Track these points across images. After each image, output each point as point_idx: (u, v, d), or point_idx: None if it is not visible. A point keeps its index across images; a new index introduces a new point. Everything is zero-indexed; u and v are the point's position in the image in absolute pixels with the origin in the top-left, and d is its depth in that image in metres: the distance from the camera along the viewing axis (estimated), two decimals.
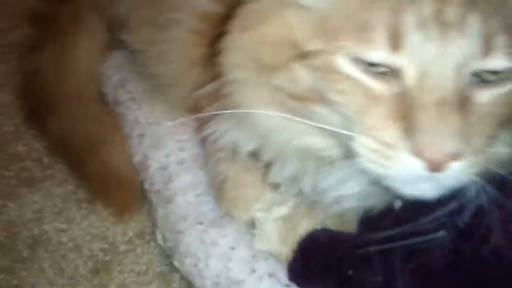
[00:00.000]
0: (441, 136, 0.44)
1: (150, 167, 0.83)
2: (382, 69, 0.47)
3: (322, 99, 0.51)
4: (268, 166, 0.68)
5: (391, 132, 0.47)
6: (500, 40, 0.46)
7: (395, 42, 0.46)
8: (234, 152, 0.69)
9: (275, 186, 0.70)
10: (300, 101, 0.53)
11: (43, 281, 0.80)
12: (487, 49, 0.46)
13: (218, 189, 0.74)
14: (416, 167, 0.46)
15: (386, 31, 0.45)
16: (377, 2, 0.46)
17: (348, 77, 0.48)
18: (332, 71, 0.48)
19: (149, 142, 0.86)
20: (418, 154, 0.46)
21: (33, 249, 0.83)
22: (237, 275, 0.68)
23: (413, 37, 0.45)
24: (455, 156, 0.45)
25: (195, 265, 0.71)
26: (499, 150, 0.52)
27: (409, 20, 0.45)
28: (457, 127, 0.45)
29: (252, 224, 0.71)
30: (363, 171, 0.51)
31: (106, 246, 0.84)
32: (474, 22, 0.45)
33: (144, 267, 0.81)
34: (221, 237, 0.71)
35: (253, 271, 0.68)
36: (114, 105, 0.96)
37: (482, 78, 0.47)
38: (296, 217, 0.69)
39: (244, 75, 0.58)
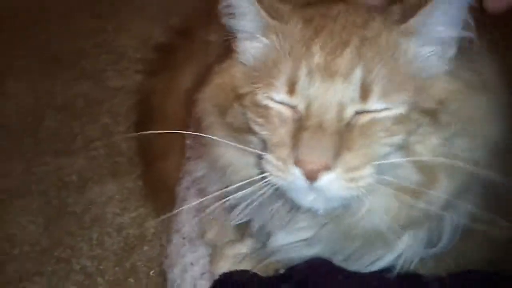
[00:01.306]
0: (315, 150, 0.53)
1: None
2: None
3: (250, 129, 0.62)
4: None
5: (285, 148, 0.56)
6: (377, 87, 0.54)
7: (291, 87, 0.57)
8: None
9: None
10: (239, 132, 0.65)
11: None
12: (365, 95, 0.54)
13: None
14: (299, 176, 0.54)
15: (285, 80, 0.57)
16: (283, 60, 0.58)
17: (266, 107, 0.59)
18: (255, 105, 0.60)
19: None
20: (298, 164, 0.54)
21: (93, 223, 1.08)
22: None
23: (303, 82, 0.56)
24: (325, 167, 0.53)
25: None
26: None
27: (301, 70, 0.56)
28: (329, 145, 0.53)
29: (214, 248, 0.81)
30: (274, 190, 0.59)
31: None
32: (357, 73, 0.54)
33: None
34: (191, 252, 0.83)
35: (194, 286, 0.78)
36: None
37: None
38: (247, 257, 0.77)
39: (210, 119, 0.71)
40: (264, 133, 0.59)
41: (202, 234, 0.84)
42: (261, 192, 0.65)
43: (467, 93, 0.57)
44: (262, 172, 0.60)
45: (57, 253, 1.03)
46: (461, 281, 0.66)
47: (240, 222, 0.73)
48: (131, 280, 0.99)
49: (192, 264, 0.83)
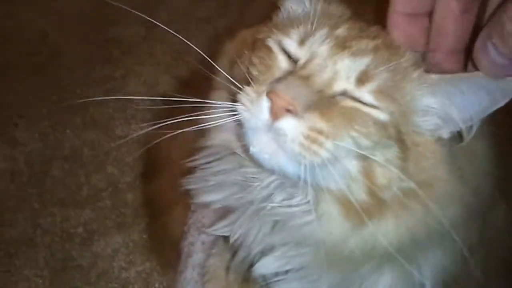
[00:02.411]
0: (291, 91, 0.51)
1: None
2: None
3: (246, 78, 0.60)
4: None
5: (265, 84, 0.54)
6: (375, 82, 0.54)
7: (304, 40, 0.57)
8: None
9: None
10: (237, 85, 0.60)
11: None
12: (362, 82, 0.54)
13: None
14: (264, 109, 0.52)
15: (303, 32, 0.58)
16: (310, 21, 0.59)
17: (270, 50, 0.59)
18: (262, 48, 0.60)
19: None
20: (269, 95, 0.51)
21: (98, 277, 1.07)
22: None
23: (317, 39, 0.56)
24: (293, 111, 0.51)
25: None
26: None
27: (321, 32, 0.57)
28: (307, 95, 0.52)
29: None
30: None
31: None
32: (365, 60, 0.54)
33: None
34: None
35: None
36: None
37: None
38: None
39: (221, 76, 0.66)
40: (255, 72, 0.58)
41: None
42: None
43: (443, 164, 0.56)
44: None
45: None
46: None
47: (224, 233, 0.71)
48: None
49: None
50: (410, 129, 0.55)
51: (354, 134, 0.53)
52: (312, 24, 0.58)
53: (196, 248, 0.97)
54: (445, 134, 0.56)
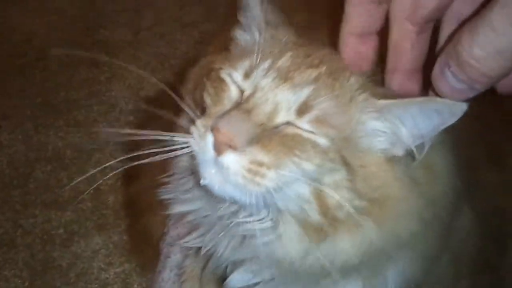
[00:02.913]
0: (232, 126, 0.53)
1: None
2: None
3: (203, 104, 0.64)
4: None
5: (213, 118, 0.56)
6: (315, 111, 0.55)
7: (249, 73, 0.59)
8: None
9: None
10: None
11: None
12: (302, 112, 0.56)
13: None
14: (209, 143, 0.54)
15: (248, 65, 0.60)
16: (255, 52, 0.60)
17: (222, 81, 0.61)
18: (216, 78, 0.62)
19: None
20: (213, 130, 0.54)
21: (78, 278, 1.08)
22: None
23: (259, 72, 0.58)
24: (233, 146, 0.53)
25: None
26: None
27: (264, 64, 0.58)
28: (247, 130, 0.54)
29: None
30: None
31: None
32: (306, 91, 0.56)
33: None
34: None
35: None
36: None
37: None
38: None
39: (186, 99, 0.68)
40: (209, 102, 0.61)
41: None
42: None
43: (397, 181, 0.58)
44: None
45: None
46: None
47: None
48: None
49: None
50: (356, 152, 0.57)
51: (295, 159, 0.55)
52: (257, 55, 0.60)
53: (175, 249, 0.98)
54: (399, 152, 0.57)
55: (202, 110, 0.62)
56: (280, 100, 0.56)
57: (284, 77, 0.57)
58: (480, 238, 0.76)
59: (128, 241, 1.13)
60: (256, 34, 0.65)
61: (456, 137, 0.65)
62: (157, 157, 0.66)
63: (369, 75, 0.59)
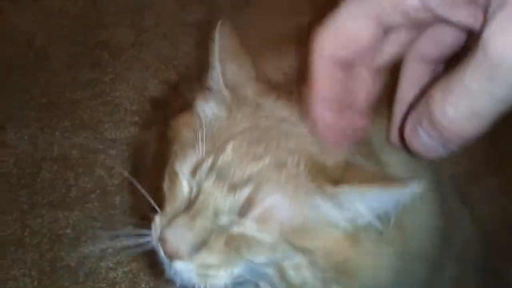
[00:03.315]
0: (177, 237, 0.57)
1: None
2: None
3: None
4: None
5: (164, 220, 0.61)
6: (257, 211, 0.56)
7: (195, 171, 0.60)
8: None
9: None
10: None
11: None
12: (244, 213, 0.57)
13: None
14: (160, 251, 0.59)
15: (195, 162, 0.61)
16: (205, 139, 0.61)
17: (176, 173, 0.63)
18: (171, 172, 0.65)
19: None
20: (160, 240, 0.59)
21: (86, 277, 1.10)
22: None
23: (202, 173, 0.59)
24: (179, 257, 0.57)
25: None
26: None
27: (207, 162, 0.59)
28: (192, 240, 0.57)
29: None
30: None
31: None
32: (246, 192, 0.56)
33: None
34: None
35: None
36: None
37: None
38: None
39: None
40: (166, 192, 0.65)
41: None
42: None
43: (364, 253, 0.58)
44: None
45: None
46: None
47: None
48: None
49: None
50: (311, 236, 0.57)
51: (246, 257, 0.58)
52: (202, 150, 0.61)
53: None
54: (361, 225, 0.57)
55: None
56: (220, 204, 0.58)
57: (224, 177, 0.58)
58: (483, 245, 0.78)
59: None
60: (212, 109, 0.65)
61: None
62: None
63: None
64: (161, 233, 0.59)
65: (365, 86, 0.53)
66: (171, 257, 0.58)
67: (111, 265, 1.13)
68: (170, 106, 1.31)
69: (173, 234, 0.57)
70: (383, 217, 0.56)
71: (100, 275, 1.11)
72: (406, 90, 0.54)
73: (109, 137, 1.40)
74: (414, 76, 0.53)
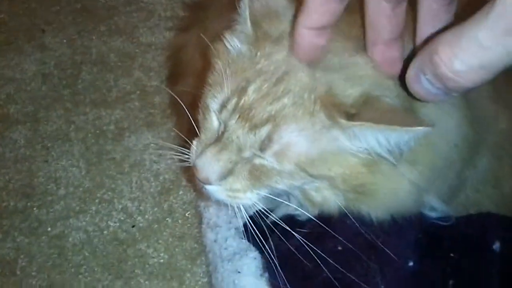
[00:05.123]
0: (206, 167, 0.65)
1: None
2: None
3: None
4: None
5: (205, 140, 0.70)
6: (275, 147, 0.62)
7: (222, 108, 0.66)
8: None
9: None
10: None
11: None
12: (264, 148, 0.63)
13: None
14: (196, 176, 0.68)
15: (222, 99, 0.66)
16: (232, 77, 0.65)
17: (207, 107, 0.70)
18: (204, 104, 0.72)
19: None
20: (193, 168, 0.68)
21: (132, 168, 1.17)
22: None
23: (227, 111, 0.65)
24: (209, 182, 0.66)
25: None
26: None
27: (231, 102, 0.64)
28: (219, 169, 0.65)
29: None
30: None
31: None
32: (265, 130, 0.62)
33: None
34: None
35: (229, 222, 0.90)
36: None
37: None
38: None
39: None
40: (200, 122, 0.73)
41: None
42: None
43: (375, 178, 0.63)
44: None
45: (100, 194, 1.12)
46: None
47: None
48: (168, 220, 1.08)
49: None
50: (328, 165, 0.62)
51: (267, 183, 0.66)
52: (228, 89, 0.66)
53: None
54: (377, 155, 0.61)
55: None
56: (243, 142, 0.64)
57: (246, 117, 0.63)
58: None
59: (176, 136, 1.19)
60: (237, 44, 0.68)
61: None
62: None
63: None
64: (194, 162, 0.68)
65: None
66: (203, 182, 0.67)
67: (155, 158, 1.18)
68: (207, 8, 1.32)
69: (203, 164, 0.65)
70: (395, 152, 0.59)
71: (145, 167, 1.17)
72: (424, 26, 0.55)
73: (144, 41, 1.43)
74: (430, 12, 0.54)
